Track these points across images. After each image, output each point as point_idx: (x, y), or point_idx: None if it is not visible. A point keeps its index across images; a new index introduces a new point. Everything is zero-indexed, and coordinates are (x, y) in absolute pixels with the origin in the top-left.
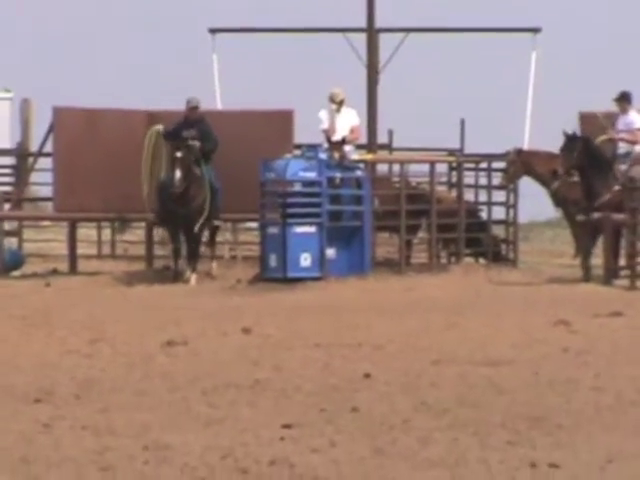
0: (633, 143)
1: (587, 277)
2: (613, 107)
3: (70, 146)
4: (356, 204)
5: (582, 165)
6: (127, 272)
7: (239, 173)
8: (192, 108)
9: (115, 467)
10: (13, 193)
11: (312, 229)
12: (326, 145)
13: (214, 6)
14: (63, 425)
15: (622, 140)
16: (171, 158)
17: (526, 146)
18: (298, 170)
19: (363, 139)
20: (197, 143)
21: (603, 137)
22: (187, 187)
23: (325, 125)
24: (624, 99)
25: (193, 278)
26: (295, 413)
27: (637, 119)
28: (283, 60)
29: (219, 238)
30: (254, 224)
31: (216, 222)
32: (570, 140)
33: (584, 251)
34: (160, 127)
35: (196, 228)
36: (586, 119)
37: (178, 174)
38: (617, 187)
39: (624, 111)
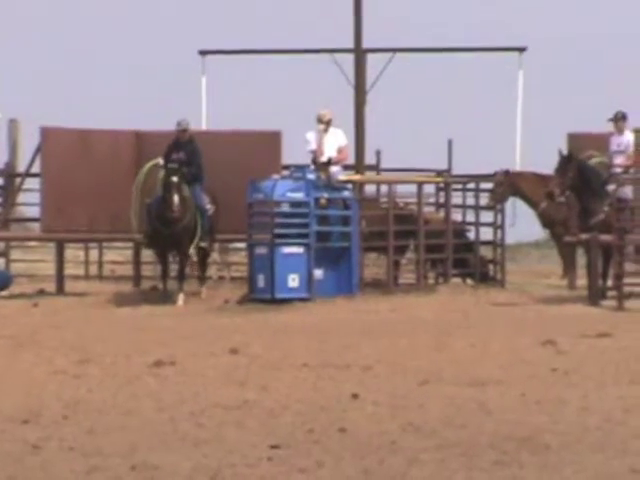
0: (628, 167)
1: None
2: (603, 127)
3: (58, 166)
4: (344, 225)
5: (577, 186)
6: (115, 293)
7: (227, 194)
8: (182, 131)
9: None
10: (0, 213)
11: (300, 250)
12: (313, 166)
13: (203, 28)
14: (51, 446)
15: (618, 166)
16: (166, 182)
17: (518, 166)
18: (286, 191)
19: (351, 160)
20: (185, 169)
21: (598, 159)
22: (174, 216)
23: (313, 146)
24: (622, 119)
25: (180, 298)
26: (283, 434)
27: (632, 140)
28: (271, 81)
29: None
30: (242, 244)
31: (202, 244)
32: (565, 161)
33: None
34: (160, 160)
35: (190, 250)
36: (575, 139)
37: (176, 199)
38: (605, 208)
39: (620, 131)
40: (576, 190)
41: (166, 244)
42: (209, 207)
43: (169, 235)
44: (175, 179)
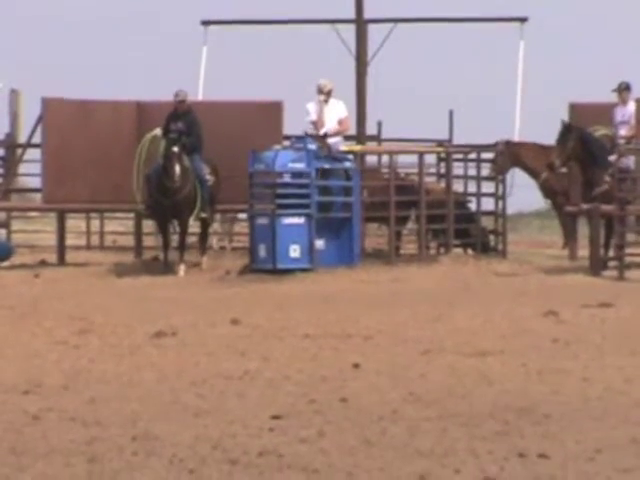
0: (632, 138)
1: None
2: (604, 97)
3: (59, 137)
4: (345, 195)
5: (579, 156)
6: (116, 263)
7: (228, 164)
8: (180, 101)
9: (103, 458)
10: (1, 184)
11: (301, 220)
12: (330, 130)
13: None
14: (51, 416)
15: (621, 137)
16: (167, 153)
17: (517, 136)
18: (287, 161)
19: (352, 130)
20: (185, 139)
21: (603, 131)
22: (175, 186)
23: (313, 117)
24: (627, 89)
25: (181, 269)
26: (284, 404)
27: (634, 111)
28: (272, 52)
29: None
30: (243, 215)
31: (203, 214)
32: (565, 131)
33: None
34: (158, 131)
35: (190, 221)
36: (576, 110)
37: (177, 169)
38: (607, 178)
39: (624, 102)
40: (579, 161)
41: (166, 214)
42: (209, 178)
43: (169, 205)
44: (176, 149)
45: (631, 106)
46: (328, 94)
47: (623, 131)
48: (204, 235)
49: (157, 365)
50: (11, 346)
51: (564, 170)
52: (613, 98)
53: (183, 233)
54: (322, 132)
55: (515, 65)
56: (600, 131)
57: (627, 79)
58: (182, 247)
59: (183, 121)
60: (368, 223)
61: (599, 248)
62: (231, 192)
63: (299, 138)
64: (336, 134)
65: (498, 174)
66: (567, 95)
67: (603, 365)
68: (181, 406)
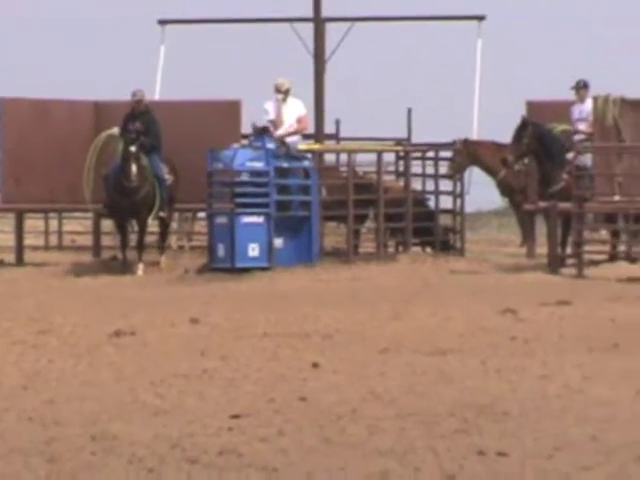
0: (591, 134)
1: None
2: (562, 95)
3: (17, 137)
4: (304, 194)
5: (535, 152)
6: (74, 263)
7: (187, 163)
8: (137, 101)
9: (62, 458)
10: None
11: (260, 219)
12: (275, 134)
13: None
14: (10, 416)
15: (582, 132)
16: (124, 153)
17: (475, 135)
18: (245, 160)
19: (310, 129)
20: (143, 138)
21: (563, 127)
22: (132, 185)
23: (271, 116)
24: (584, 87)
25: (140, 268)
26: (243, 403)
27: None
28: (231, 51)
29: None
30: (202, 214)
31: (161, 213)
32: (521, 127)
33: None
34: (115, 130)
35: (149, 220)
36: (533, 107)
37: (134, 169)
38: (565, 175)
39: (582, 99)
40: (536, 157)
41: (125, 214)
42: (168, 177)
43: (128, 205)
44: (133, 149)
45: (589, 104)
46: (286, 93)
47: (582, 126)
48: (163, 234)
49: (116, 365)
50: None
51: (520, 167)
52: (570, 96)
53: (142, 232)
54: (277, 134)
55: (473, 63)
56: (560, 127)
57: (584, 77)
58: (141, 246)
59: (141, 121)
60: (327, 222)
61: (557, 246)
62: (190, 191)
63: (257, 136)
64: (295, 133)
65: (456, 172)
66: (525, 93)
67: (561, 363)
68: (140, 405)
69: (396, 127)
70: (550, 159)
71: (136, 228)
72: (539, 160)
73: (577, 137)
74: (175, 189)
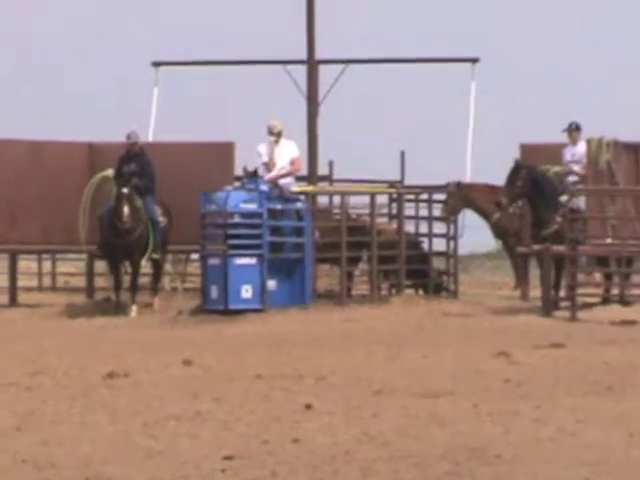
0: (584, 177)
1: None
2: (555, 138)
3: (10, 178)
4: (297, 236)
5: (528, 194)
6: (68, 304)
7: (180, 205)
8: (132, 143)
9: None
10: None
11: (253, 261)
12: (266, 177)
13: (155, 39)
14: (4, 458)
15: (574, 173)
16: (117, 194)
17: (468, 177)
18: (239, 202)
19: (303, 171)
20: (137, 180)
21: (556, 169)
22: (125, 227)
23: (265, 158)
24: (577, 130)
25: (133, 310)
26: (236, 444)
27: (585, 152)
28: (224, 93)
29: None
30: (195, 255)
31: (154, 255)
32: (515, 170)
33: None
34: (110, 172)
35: (143, 261)
36: (527, 150)
37: (126, 210)
38: (558, 218)
39: (574, 142)
40: (529, 200)
41: (118, 255)
42: (161, 219)
43: (121, 246)
44: (125, 190)
45: (581, 146)
46: (278, 135)
47: (576, 167)
48: (156, 276)
49: (110, 406)
50: None
51: (514, 210)
52: (563, 138)
53: (135, 274)
54: (269, 176)
55: (466, 106)
56: (553, 169)
57: (577, 120)
58: (134, 288)
59: (136, 163)
60: (320, 264)
61: (550, 289)
62: (183, 233)
63: (251, 177)
64: (288, 175)
65: (450, 215)
66: (518, 136)
67: (555, 406)
68: (134, 447)
69: (389, 169)
70: (543, 202)
71: (129, 270)
72: (532, 203)
73: (571, 178)
74: (168, 231)
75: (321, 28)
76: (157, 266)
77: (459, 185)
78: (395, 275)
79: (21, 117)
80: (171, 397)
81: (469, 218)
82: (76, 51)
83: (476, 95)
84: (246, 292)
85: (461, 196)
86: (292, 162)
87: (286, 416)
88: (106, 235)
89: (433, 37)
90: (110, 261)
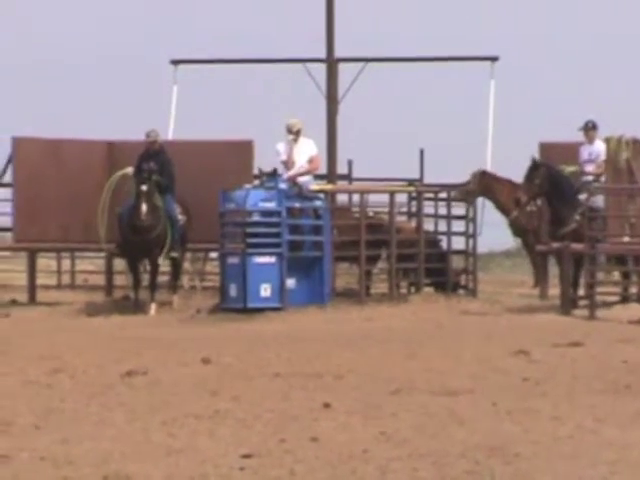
0: (599, 175)
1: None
2: (573, 136)
3: (30, 176)
4: (316, 234)
5: (547, 193)
6: (87, 302)
7: (199, 203)
8: (151, 142)
9: None
10: None
11: (272, 259)
12: (285, 176)
13: (174, 38)
14: (22, 456)
15: (589, 173)
16: (136, 191)
17: None
18: (258, 200)
19: (323, 169)
20: (157, 178)
21: (571, 169)
22: (144, 224)
23: (283, 157)
24: (593, 128)
25: (152, 308)
26: (255, 443)
27: (603, 149)
28: (243, 91)
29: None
30: (214, 254)
31: (173, 253)
32: (533, 168)
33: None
34: (129, 170)
35: (160, 260)
36: (546, 148)
37: (144, 207)
38: (577, 217)
39: (591, 140)
40: (547, 198)
41: (137, 253)
42: (180, 217)
43: (140, 244)
44: (145, 188)
45: (598, 145)
46: (297, 133)
47: (590, 168)
48: (175, 274)
49: (128, 404)
50: None
51: (532, 208)
52: (581, 137)
53: (154, 272)
54: (288, 174)
55: (486, 104)
56: (569, 168)
57: (596, 118)
58: (153, 286)
59: (155, 161)
60: (339, 262)
61: (569, 287)
62: (202, 231)
63: (269, 177)
64: (306, 173)
65: (465, 197)
66: (538, 134)
67: (573, 404)
68: (152, 445)
69: (408, 168)
70: (562, 200)
71: (148, 268)
72: (550, 201)
73: (585, 178)
74: (187, 229)
75: (340, 26)
76: (176, 264)
77: (484, 173)
78: (414, 274)
79: (41, 115)
80: (190, 395)
81: (487, 216)
82: (95, 49)
83: (495, 94)
84: (265, 291)
85: (483, 183)
86: (311, 160)
87: (304, 415)
88: (125, 233)
89: (452, 35)
90: (129, 259)
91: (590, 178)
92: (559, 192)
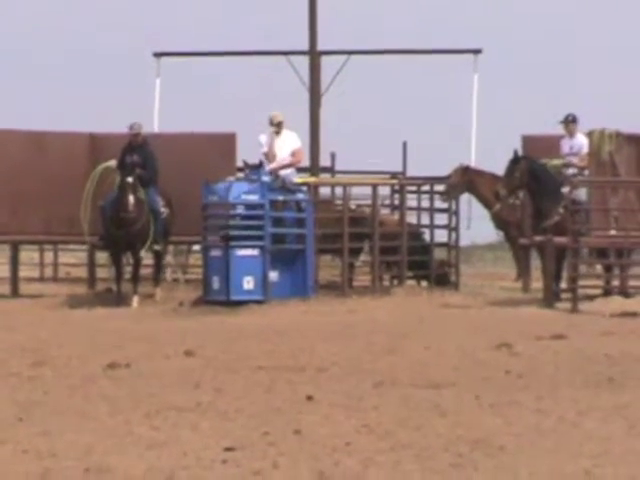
0: (582, 169)
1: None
2: (555, 130)
3: (11, 168)
4: (298, 227)
5: (528, 186)
6: (69, 295)
7: (182, 196)
8: (134, 134)
9: None
10: None
11: (255, 252)
12: (267, 168)
13: (157, 30)
14: (5, 449)
15: (572, 166)
16: (122, 183)
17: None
18: (241, 193)
19: (306, 162)
20: (140, 171)
21: (555, 162)
22: (129, 217)
23: (265, 149)
24: (573, 122)
25: (135, 300)
26: (237, 436)
27: (585, 143)
28: (226, 84)
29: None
30: (197, 247)
31: (156, 247)
32: (514, 161)
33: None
34: (112, 163)
35: (142, 253)
36: (529, 141)
37: (131, 199)
38: (560, 210)
39: (571, 134)
40: (529, 191)
41: (120, 246)
42: (163, 210)
43: (123, 237)
44: (130, 179)
45: (579, 138)
46: (279, 125)
47: (575, 160)
48: (157, 267)
49: (111, 397)
50: None
51: (514, 201)
52: (562, 130)
53: (137, 265)
54: (270, 167)
55: (469, 97)
56: (552, 162)
57: (579, 111)
58: (136, 279)
59: (138, 154)
60: (321, 255)
61: (552, 280)
62: (185, 224)
63: (254, 169)
64: (289, 166)
65: (448, 193)
66: (520, 127)
67: (556, 397)
68: (135, 438)
69: (391, 160)
70: (544, 193)
71: (131, 261)
72: (533, 194)
73: (570, 171)
74: (170, 222)
75: (324, 19)
76: (158, 257)
77: (467, 169)
78: (397, 266)
79: (23, 108)
80: (172, 388)
81: (473, 209)
82: (77, 41)
83: (478, 86)
84: (248, 283)
85: (465, 179)
86: (293, 153)
87: (287, 407)
88: (108, 226)
89: (436, 28)
90: (112, 252)
91: (575, 171)
92: (541, 185)
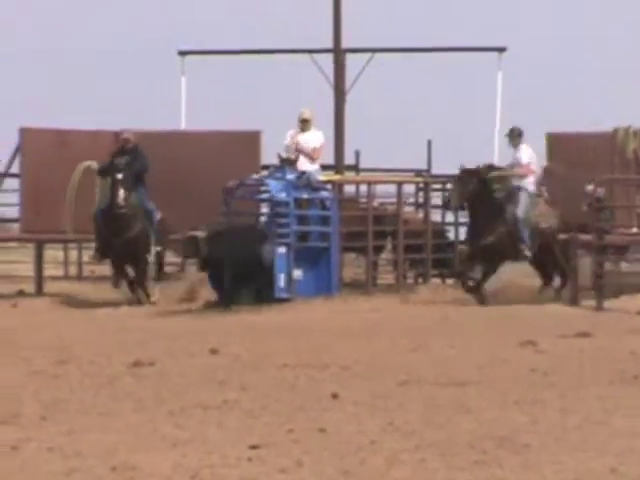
0: (522, 177)
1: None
2: (582, 127)
3: (37, 167)
4: (323, 225)
5: (473, 201)
6: (94, 293)
7: (206, 194)
8: (124, 140)
9: None
10: None
11: (280, 250)
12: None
13: (182, 28)
14: (29, 447)
15: (514, 174)
16: (112, 180)
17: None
18: (278, 191)
19: (330, 160)
20: (127, 172)
21: (495, 173)
22: (122, 218)
23: (287, 140)
24: (519, 136)
25: (156, 292)
26: (262, 434)
27: (524, 154)
28: (251, 82)
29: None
30: None
31: (156, 248)
32: (467, 173)
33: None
34: (93, 164)
35: (150, 258)
36: (553, 140)
37: (121, 194)
38: (501, 229)
39: (516, 146)
40: (471, 205)
41: (120, 256)
42: (155, 210)
43: (121, 245)
44: (120, 176)
45: (521, 150)
46: (303, 122)
47: (517, 168)
48: (157, 267)
49: (135, 395)
50: None
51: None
52: (592, 127)
53: (143, 272)
54: (284, 156)
55: (493, 95)
56: (493, 173)
57: (602, 109)
58: (144, 280)
59: (128, 156)
60: (346, 253)
61: (577, 278)
62: (209, 221)
63: (289, 164)
64: (305, 156)
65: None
66: (545, 125)
67: (581, 395)
68: (159, 436)
69: (416, 158)
70: (485, 211)
71: (134, 271)
72: (473, 209)
73: (515, 182)
74: (166, 224)
75: (348, 17)
76: (159, 258)
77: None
78: (421, 264)
79: (48, 106)
80: (197, 386)
81: None
82: (103, 40)
83: (503, 84)
84: None
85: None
86: (313, 150)
87: (312, 405)
88: (103, 232)
89: (460, 26)
90: (113, 261)
91: (519, 182)
92: (484, 203)
